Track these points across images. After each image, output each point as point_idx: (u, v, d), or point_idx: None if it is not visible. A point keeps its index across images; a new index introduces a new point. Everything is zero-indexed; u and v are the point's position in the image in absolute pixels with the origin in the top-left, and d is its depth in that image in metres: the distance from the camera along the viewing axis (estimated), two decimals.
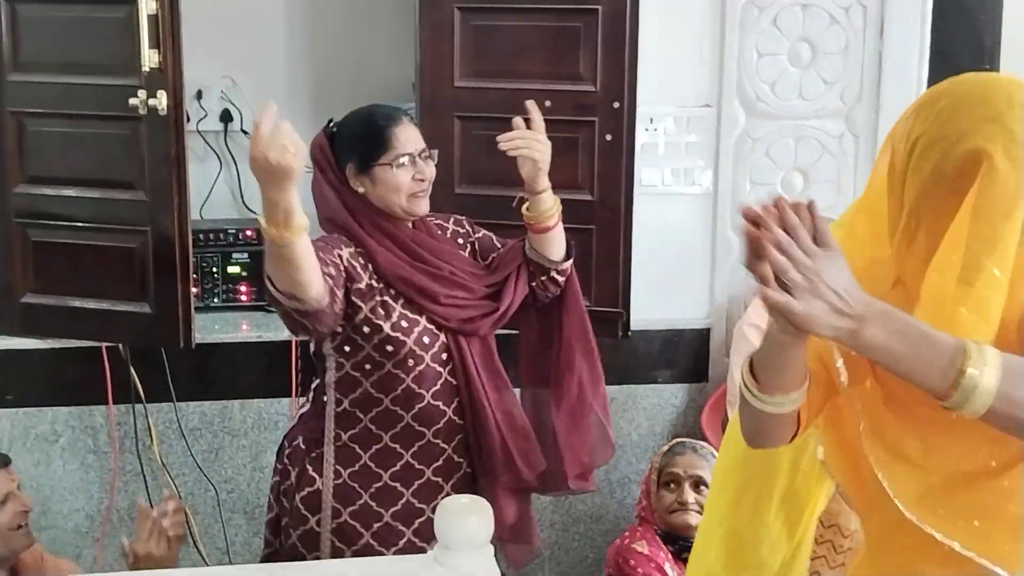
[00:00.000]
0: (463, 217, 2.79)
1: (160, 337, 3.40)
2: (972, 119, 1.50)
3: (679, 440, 3.35)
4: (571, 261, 2.71)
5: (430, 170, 2.56)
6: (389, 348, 2.49)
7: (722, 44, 3.67)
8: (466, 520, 1.47)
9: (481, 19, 3.54)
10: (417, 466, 2.56)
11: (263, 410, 3.56)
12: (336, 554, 2.54)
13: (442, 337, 2.55)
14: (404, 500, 2.56)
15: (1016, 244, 1.48)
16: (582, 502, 3.80)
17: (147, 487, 3.53)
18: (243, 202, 4.00)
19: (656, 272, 3.70)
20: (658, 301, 3.72)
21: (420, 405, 2.53)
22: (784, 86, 3.69)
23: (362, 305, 2.48)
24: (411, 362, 2.50)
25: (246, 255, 3.75)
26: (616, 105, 3.48)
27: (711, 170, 3.74)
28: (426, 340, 2.52)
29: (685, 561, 3.14)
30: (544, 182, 2.57)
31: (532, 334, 2.81)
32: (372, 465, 2.55)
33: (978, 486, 1.58)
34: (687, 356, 3.78)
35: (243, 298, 3.77)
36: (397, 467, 2.55)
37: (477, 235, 2.74)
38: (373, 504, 2.55)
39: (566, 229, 2.69)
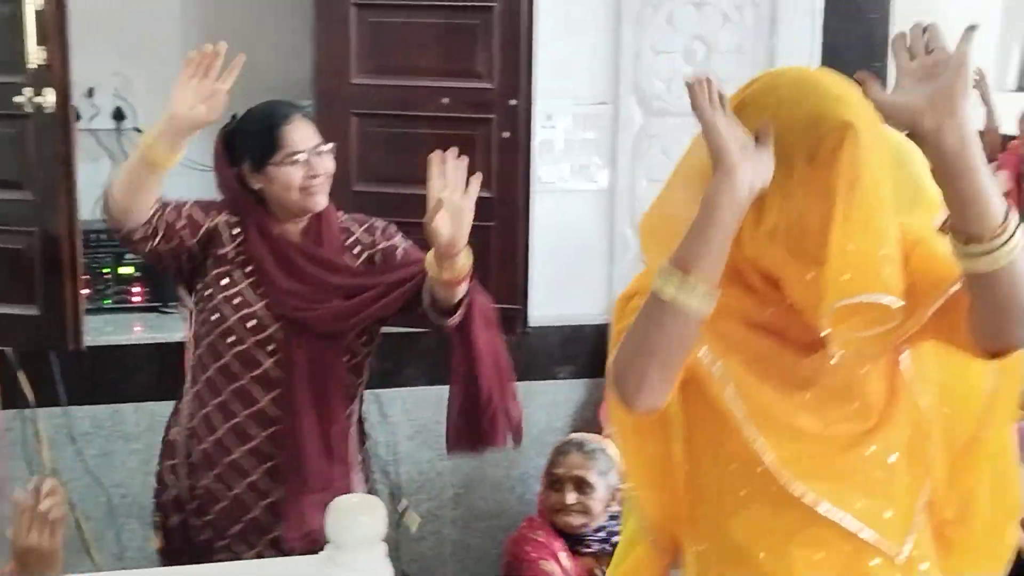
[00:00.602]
0: (385, 225, 2.65)
1: (49, 339, 3.33)
2: (820, 99, 1.54)
3: (567, 439, 3.35)
4: (460, 313, 2.48)
5: (324, 165, 2.54)
6: (214, 317, 2.56)
7: (618, 41, 3.70)
8: (357, 518, 1.47)
9: (377, 16, 3.53)
10: (233, 442, 2.59)
11: (156, 413, 3.46)
12: (208, 486, 2.62)
13: (274, 328, 2.54)
14: (228, 463, 2.60)
15: (890, 209, 1.52)
16: (482, 499, 3.80)
17: None
18: None
19: (555, 268, 3.71)
20: (557, 297, 3.74)
21: (237, 384, 2.57)
22: (679, 84, 3.71)
23: (214, 269, 2.55)
24: (231, 339, 2.55)
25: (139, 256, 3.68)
26: (513, 102, 3.50)
27: (608, 167, 3.76)
28: (251, 324, 2.54)
29: (578, 554, 3.16)
30: (465, 239, 2.36)
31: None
32: (202, 425, 2.61)
33: (846, 453, 1.63)
34: (586, 352, 3.80)
35: (136, 299, 3.71)
36: (220, 434, 2.60)
37: (382, 244, 2.61)
38: (212, 454, 2.61)
39: None
